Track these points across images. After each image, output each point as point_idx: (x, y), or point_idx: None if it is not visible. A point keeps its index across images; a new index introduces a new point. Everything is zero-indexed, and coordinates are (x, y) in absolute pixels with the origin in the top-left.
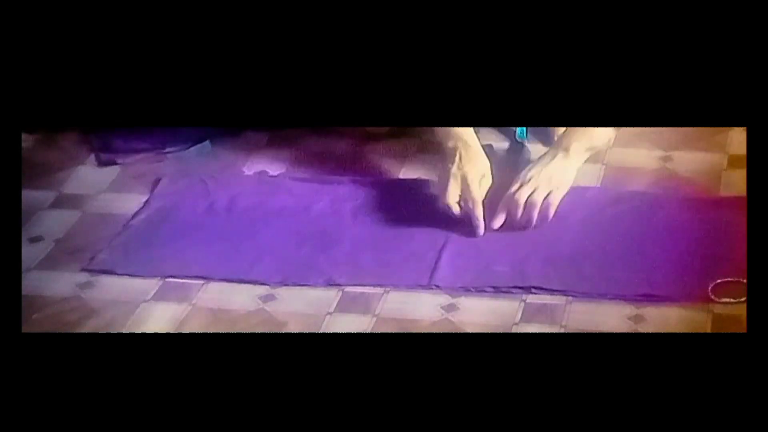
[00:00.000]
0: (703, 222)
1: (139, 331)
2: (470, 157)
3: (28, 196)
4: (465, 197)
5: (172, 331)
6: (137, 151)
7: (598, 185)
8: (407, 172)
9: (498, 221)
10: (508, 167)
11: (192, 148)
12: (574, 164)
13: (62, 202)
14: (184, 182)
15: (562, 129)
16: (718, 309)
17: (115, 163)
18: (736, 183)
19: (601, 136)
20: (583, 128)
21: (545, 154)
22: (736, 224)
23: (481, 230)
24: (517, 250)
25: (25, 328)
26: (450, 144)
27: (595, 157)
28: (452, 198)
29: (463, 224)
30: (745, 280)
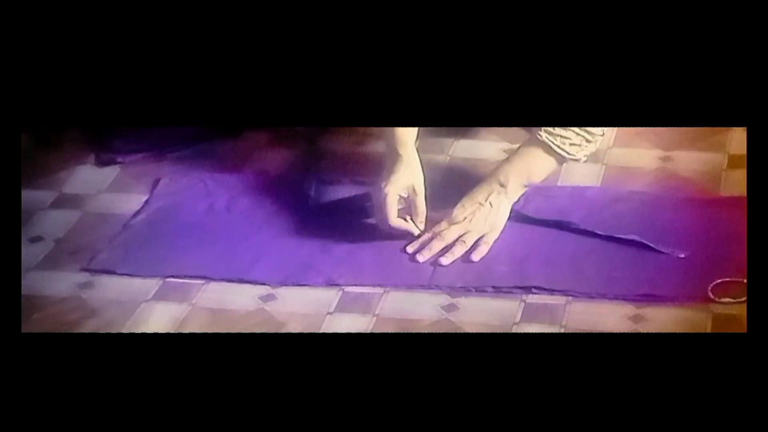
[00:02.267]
0: (703, 222)
1: (139, 331)
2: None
3: (28, 196)
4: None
5: (172, 331)
6: (137, 151)
7: (598, 185)
8: None
9: (423, 257)
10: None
11: None
12: (511, 200)
13: (62, 202)
14: (184, 182)
15: (502, 157)
16: (718, 309)
17: (115, 163)
18: (736, 183)
19: (540, 172)
20: (524, 162)
21: (480, 187)
22: (736, 224)
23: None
24: (517, 250)
25: (25, 328)
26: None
27: (595, 157)
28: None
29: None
30: (745, 280)
